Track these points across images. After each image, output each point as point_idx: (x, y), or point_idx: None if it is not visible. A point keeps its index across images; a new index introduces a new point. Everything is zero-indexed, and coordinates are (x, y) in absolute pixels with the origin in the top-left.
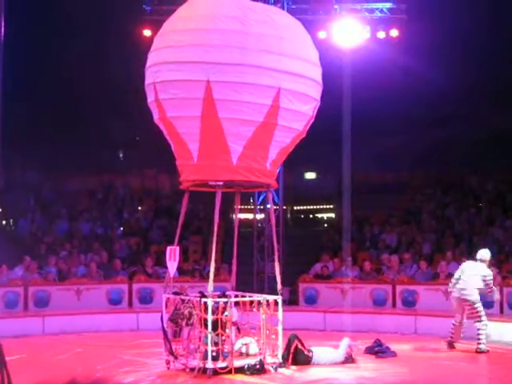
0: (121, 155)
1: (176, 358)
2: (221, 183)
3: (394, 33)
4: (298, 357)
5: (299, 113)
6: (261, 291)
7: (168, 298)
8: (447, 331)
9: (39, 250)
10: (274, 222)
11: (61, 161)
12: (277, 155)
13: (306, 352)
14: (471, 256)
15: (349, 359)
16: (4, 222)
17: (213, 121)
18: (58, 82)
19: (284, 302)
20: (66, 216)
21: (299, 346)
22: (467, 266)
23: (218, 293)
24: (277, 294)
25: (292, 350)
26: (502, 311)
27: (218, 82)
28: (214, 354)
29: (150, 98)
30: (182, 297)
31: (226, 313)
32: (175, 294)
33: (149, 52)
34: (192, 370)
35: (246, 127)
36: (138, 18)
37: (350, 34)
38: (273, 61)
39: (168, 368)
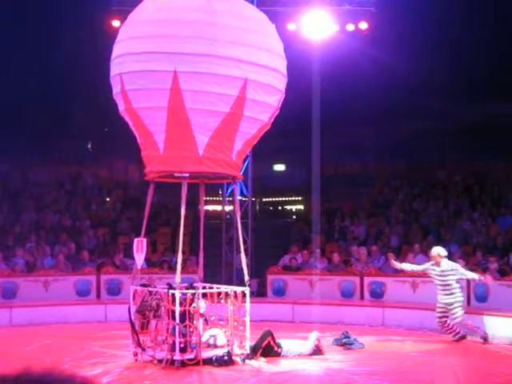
0: (89, 146)
1: (144, 349)
2: (187, 175)
3: (363, 25)
4: (267, 352)
5: (265, 104)
6: (229, 283)
7: (135, 290)
8: (414, 323)
9: (6, 241)
10: (239, 213)
11: (29, 152)
12: (242, 146)
13: (275, 348)
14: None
15: (317, 351)
16: None
17: (179, 111)
18: (26, 72)
19: (252, 293)
20: (33, 207)
21: (271, 343)
22: None
23: (186, 284)
24: (245, 286)
25: (263, 346)
26: (468, 303)
27: (185, 73)
28: (182, 345)
29: (116, 90)
30: (150, 288)
31: (193, 304)
32: (143, 285)
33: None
34: (160, 361)
35: (212, 118)
36: (105, 9)
37: (320, 26)
38: (240, 52)
39: (136, 360)
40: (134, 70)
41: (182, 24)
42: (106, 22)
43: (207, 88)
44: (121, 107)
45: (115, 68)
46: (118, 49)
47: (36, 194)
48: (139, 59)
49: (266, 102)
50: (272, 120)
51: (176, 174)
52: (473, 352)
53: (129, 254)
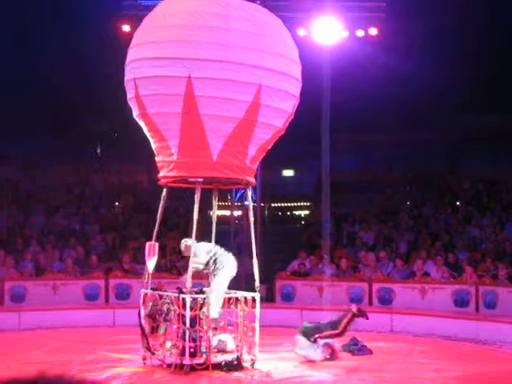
0: (98, 151)
1: (153, 353)
2: (200, 180)
3: (373, 31)
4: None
5: (279, 110)
6: (238, 288)
7: (146, 294)
8: (422, 329)
9: (16, 244)
10: (252, 219)
11: (38, 156)
12: (256, 152)
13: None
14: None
15: (331, 357)
16: None
17: (193, 117)
18: (35, 78)
19: (261, 299)
20: (42, 211)
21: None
22: None
23: (196, 289)
24: (254, 291)
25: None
26: (477, 309)
27: (200, 79)
28: (192, 350)
29: (130, 94)
30: (160, 292)
31: (203, 309)
32: (153, 289)
33: (128, 48)
34: (169, 366)
35: (226, 124)
36: (116, 13)
37: (330, 31)
38: (254, 58)
39: (144, 364)
40: (149, 75)
41: (196, 29)
42: (117, 27)
43: (221, 94)
44: (135, 112)
45: (130, 73)
46: (132, 53)
47: (45, 198)
48: (154, 64)
49: (281, 108)
50: (286, 125)
51: (190, 180)
52: (481, 359)
53: (138, 258)
